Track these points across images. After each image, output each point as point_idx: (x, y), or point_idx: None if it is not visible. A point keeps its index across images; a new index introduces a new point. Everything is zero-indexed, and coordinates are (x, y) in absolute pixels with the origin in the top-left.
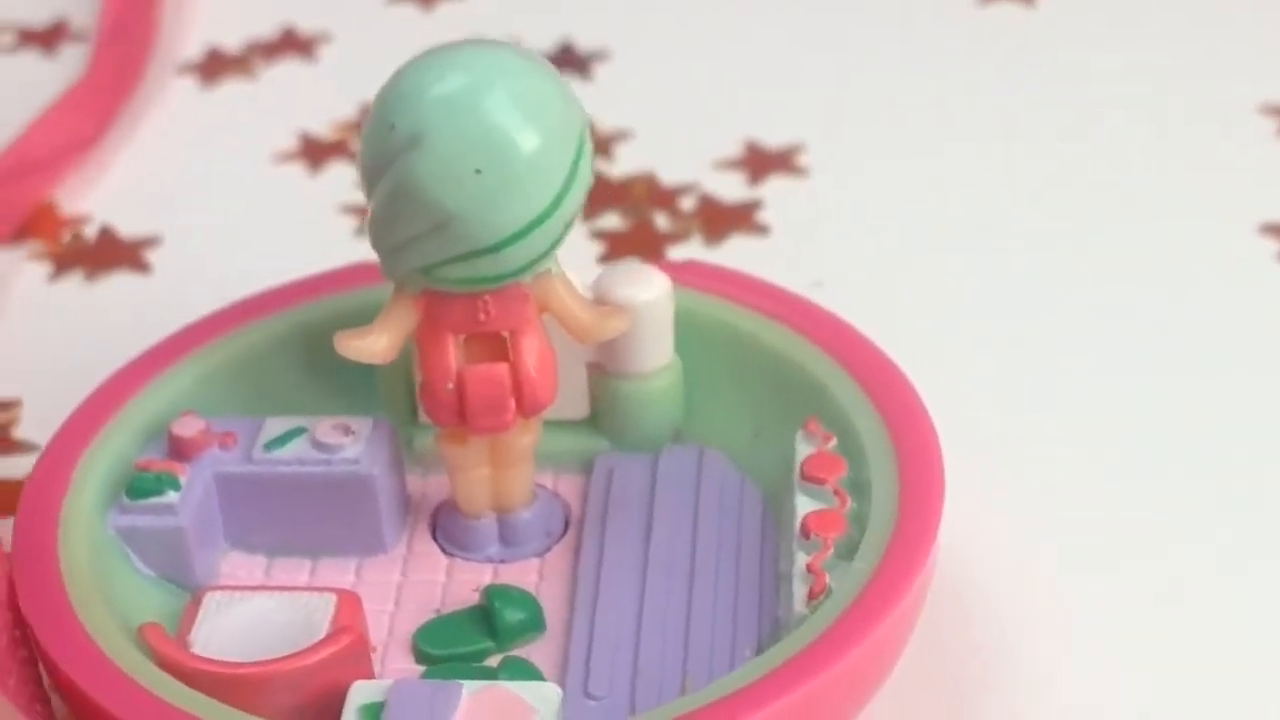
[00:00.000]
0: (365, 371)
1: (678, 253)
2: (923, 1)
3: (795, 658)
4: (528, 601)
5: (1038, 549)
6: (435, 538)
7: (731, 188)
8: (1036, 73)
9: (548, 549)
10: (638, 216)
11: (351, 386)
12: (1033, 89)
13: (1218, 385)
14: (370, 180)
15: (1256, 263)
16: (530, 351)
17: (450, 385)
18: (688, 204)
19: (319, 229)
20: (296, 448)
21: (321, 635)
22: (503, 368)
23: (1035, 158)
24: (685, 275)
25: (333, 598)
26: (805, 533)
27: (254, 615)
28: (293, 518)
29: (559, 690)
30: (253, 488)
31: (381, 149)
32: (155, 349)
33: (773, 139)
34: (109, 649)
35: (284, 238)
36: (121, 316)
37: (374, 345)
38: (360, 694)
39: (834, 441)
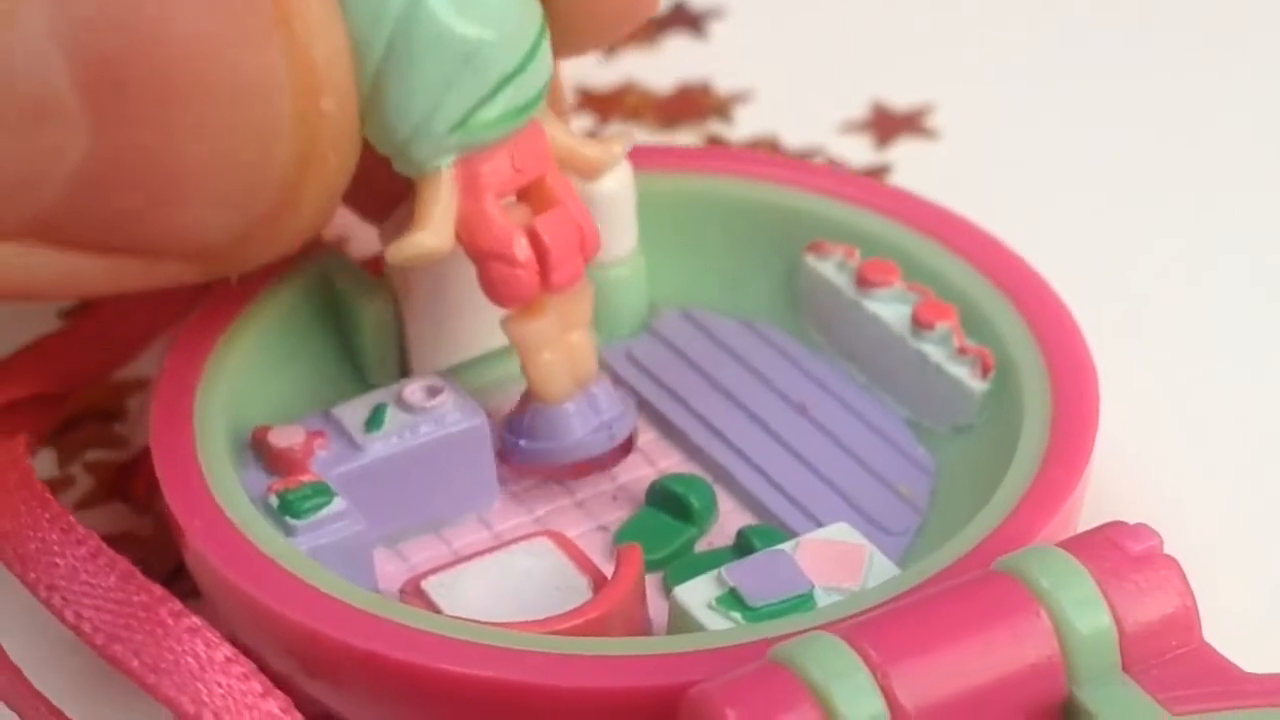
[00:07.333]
0: (343, 354)
1: None
2: None
3: (1053, 457)
4: (695, 481)
5: None
6: (518, 459)
7: (858, 151)
8: (1187, 32)
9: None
10: None
11: (335, 377)
12: (1184, 50)
13: None
14: (369, 54)
15: None
16: (568, 188)
17: (524, 242)
18: None
19: None
20: (396, 421)
21: (571, 573)
22: (563, 207)
23: (1185, 115)
24: (643, 160)
25: (546, 540)
26: (925, 325)
27: (487, 583)
28: (412, 495)
29: (846, 525)
30: (376, 476)
31: (380, 13)
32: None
33: (901, 99)
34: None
35: None
36: None
37: (431, 239)
38: (693, 593)
39: (857, 255)
